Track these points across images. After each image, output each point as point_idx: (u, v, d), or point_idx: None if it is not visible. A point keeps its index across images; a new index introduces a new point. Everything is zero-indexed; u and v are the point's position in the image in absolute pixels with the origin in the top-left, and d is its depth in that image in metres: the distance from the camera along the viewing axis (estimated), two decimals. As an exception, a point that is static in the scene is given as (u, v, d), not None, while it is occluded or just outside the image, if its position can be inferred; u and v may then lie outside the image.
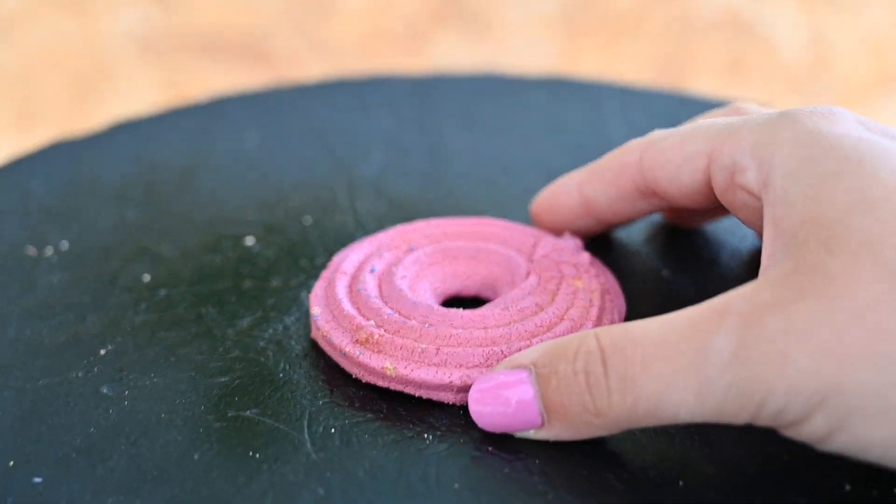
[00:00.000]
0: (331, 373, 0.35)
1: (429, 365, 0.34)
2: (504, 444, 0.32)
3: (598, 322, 0.35)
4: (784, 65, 1.04)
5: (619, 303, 0.37)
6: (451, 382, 0.34)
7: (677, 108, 0.51)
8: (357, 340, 0.35)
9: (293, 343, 0.37)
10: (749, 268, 0.40)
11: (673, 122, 0.49)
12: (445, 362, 0.34)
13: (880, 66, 1.02)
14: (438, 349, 0.34)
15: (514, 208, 0.43)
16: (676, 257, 0.41)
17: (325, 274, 0.38)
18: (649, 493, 0.31)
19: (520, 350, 0.34)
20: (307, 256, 0.41)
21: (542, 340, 0.34)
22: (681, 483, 0.31)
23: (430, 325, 0.35)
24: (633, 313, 0.38)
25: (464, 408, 0.34)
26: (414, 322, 0.35)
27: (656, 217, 0.43)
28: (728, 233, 0.42)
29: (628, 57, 1.11)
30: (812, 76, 1.02)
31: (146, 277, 0.40)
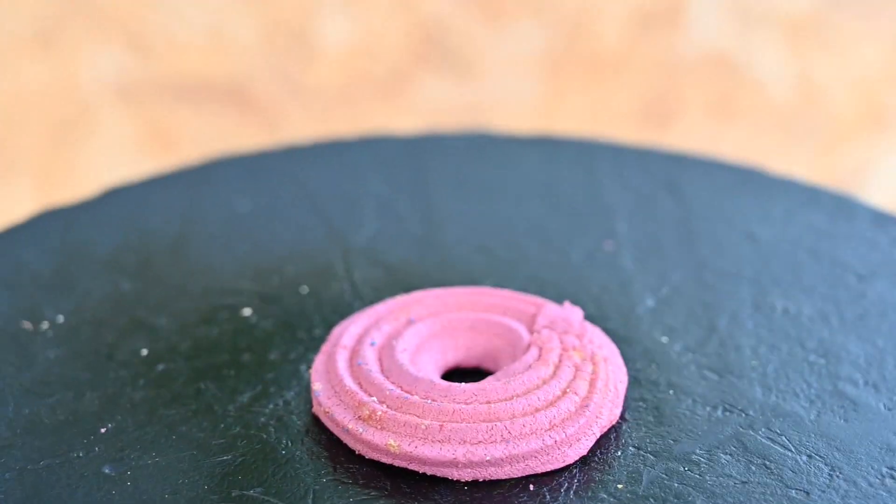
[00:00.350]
0: (333, 449, 0.36)
1: (433, 441, 0.35)
2: (510, 521, 0.33)
3: (604, 395, 0.37)
4: (772, 105, 1.06)
5: (619, 374, 0.38)
6: (455, 459, 0.35)
7: (671, 166, 0.53)
8: (360, 417, 0.36)
9: (294, 419, 0.38)
10: (744, 331, 0.41)
11: (667, 180, 0.50)
12: (449, 438, 0.35)
13: (869, 106, 1.04)
14: (442, 425, 0.35)
15: (510, 275, 0.44)
16: (675, 323, 0.42)
17: (324, 347, 0.39)
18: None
19: (524, 426, 0.35)
20: (305, 328, 0.42)
21: (546, 416, 0.35)
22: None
23: (433, 400, 0.36)
24: (634, 381, 0.39)
25: (468, 484, 0.35)
26: (416, 397, 0.36)
27: (652, 280, 0.44)
28: (728, 296, 0.43)
29: (614, 97, 1.13)
30: (800, 116, 1.04)
31: (143, 352, 0.41)
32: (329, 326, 0.41)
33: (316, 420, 0.37)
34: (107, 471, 0.35)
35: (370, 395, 0.36)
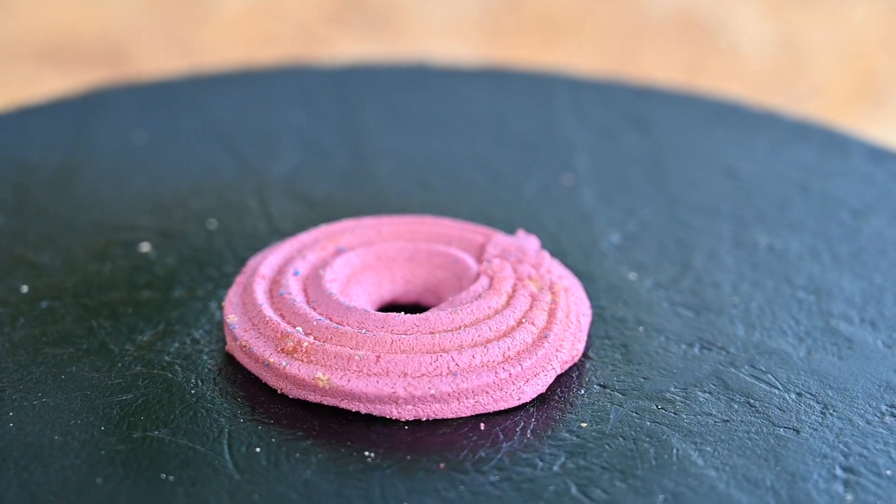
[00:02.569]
0: (251, 388, 0.37)
1: (368, 375, 0.36)
2: (458, 460, 0.35)
3: (565, 327, 0.38)
4: (749, 72, 1.09)
5: (582, 306, 0.40)
6: (394, 393, 0.36)
7: (637, 100, 0.55)
8: (283, 350, 0.37)
9: (204, 357, 0.39)
10: (723, 267, 0.43)
11: (634, 114, 0.52)
12: (387, 371, 0.36)
13: (859, 74, 1.07)
14: (379, 356, 0.36)
15: (454, 209, 0.46)
16: (645, 259, 0.43)
17: (239, 279, 0.40)
18: (626, 512, 0.33)
19: (473, 357, 0.36)
20: (214, 264, 0.43)
21: (498, 347, 0.37)
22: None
23: (368, 330, 0.37)
24: (597, 318, 0.40)
25: (409, 423, 0.36)
26: (348, 328, 0.37)
27: (617, 215, 0.46)
28: (704, 232, 0.45)
29: (566, 67, 1.15)
30: (781, 85, 1.07)
31: (23, 288, 0.41)
32: (242, 263, 0.42)
33: (230, 359, 0.38)
34: (-16, 412, 0.36)
35: (294, 326, 0.37)
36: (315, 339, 0.37)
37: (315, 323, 0.37)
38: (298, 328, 0.37)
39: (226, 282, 0.42)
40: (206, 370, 0.38)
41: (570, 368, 0.38)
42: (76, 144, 0.50)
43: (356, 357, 0.36)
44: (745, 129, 0.53)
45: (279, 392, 0.37)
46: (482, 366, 0.36)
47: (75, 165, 0.49)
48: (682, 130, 0.53)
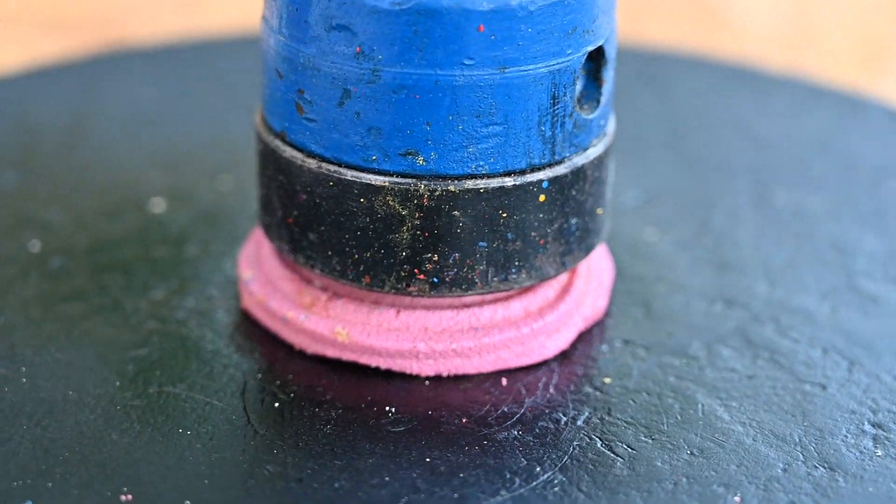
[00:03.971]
0: (269, 345, 0.36)
1: (388, 329, 0.35)
2: (480, 415, 0.34)
3: (587, 282, 0.37)
4: (761, 38, 1.07)
5: (603, 263, 0.39)
6: (414, 348, 0.35)
7: (648, 63, 0.54)
8: (300, 304, 0.36)
9: (220, 314, 0.38)
10: (743, 226, 0.42)
11: (646, 75, 0.51)
12: (407, 326, 0.35)
13: (869, 39, 1.06)
14: (399, 311, 0.35)
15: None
16: (663, 217, 0.43)
17: (253, 234, 0.39)
18: (652, 468, 0.32)
19: (495, 312, 0.36)
20: (228, 221, 0.42)
21: (520, 303, 0.36)
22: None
23: (387, 285, 0.36)
24: (618, 275, 0.40)
25: (430, 378, 0.35)
26: (367, 283, 0.36)
27: (632, 173, 0.45)
28: (723, 191, 0.44)
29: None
30: (794, 50, 1.05)
31: (34, 246, 0.41)
32: (256, 220, 0.42)
33: (246, 316, 0.38)
34: (-4, 367, 0.35)
35: (312, 280, 0.37)
36: (333, 293, 0.36)
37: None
38: (316, 282, 0.36)
39: (240, 239, 0.41)
40: (222, 326, 0.37)
41: (592, 326, 0.38)
42: (84, 105, 0.49)
43: (376, 311, 0.35)
44: (761, 92, 0.52)
45: (296, 348, 0.36)
46: (504, 321, 0.36)
47: (84, 126, 0.48)
48: (697, 93, 0.52)
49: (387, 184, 0.33)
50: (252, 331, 0.37)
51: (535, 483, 0.32)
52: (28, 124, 0.48)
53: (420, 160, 0.33)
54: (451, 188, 0.33)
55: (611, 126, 0.36)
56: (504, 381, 0.35)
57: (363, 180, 0.34)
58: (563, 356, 0.36)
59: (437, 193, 0.33)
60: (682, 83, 0.53)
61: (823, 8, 1.05)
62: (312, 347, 0.36)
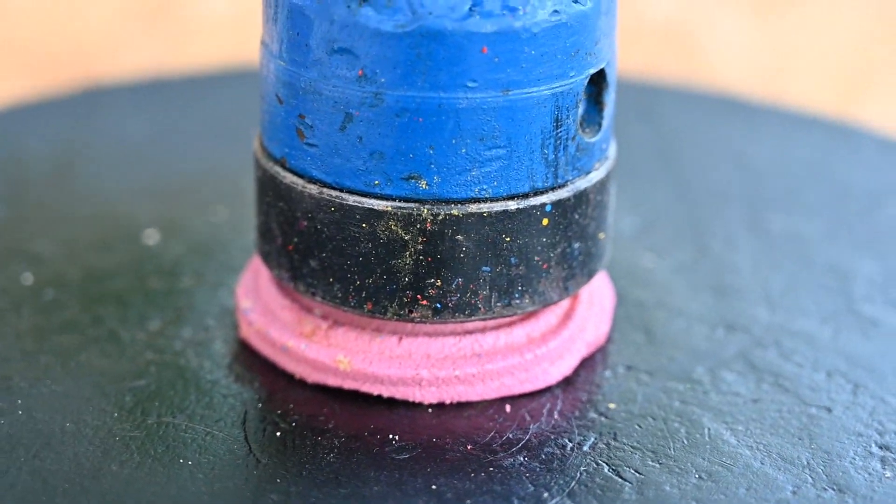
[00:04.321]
0: (268, 374, 0.36)
1: (390, 357, 0.35)
2: (485, 442, 0.33)
3: (588, 307, 0.37)
4: (742, 70, 1.07)
5: (604, 289, 0.39)
6: (417, 375, 0.35)
7: (640, 94, 0.54)
8: (301, 333, 0.36)
9: (218, 344, 0.37)
10: (741, 251, 0.42)
11: (638, 106, 0.51)
12: (409, 353, 0.35)
13: (852, 67, 1.06)
14: (401, 338, 0.35)
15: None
16: (660, 244, 0.43)
17: (251, 264, 0.39)
18: (661, 493, 0.32)
19: (497, 339, 0.35)
20: (222, 252, 0.42)
21: (522, 329, 0.36)
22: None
23: (387, 313, 0.36)
24: (618, 301, 0.39)
25: (433, 406, 0.35)
26: (367, 311, 0.36)
27: (628, 201, 0.45)
28: (718, 217, 0.44)
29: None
30: (777, 80, 1.05)
31: (27, 279, 0.40)
32: (251, 251, 0.41)
33: (244, 346, 0.37)
34: (-8, 400, 0.35)
35: (312, 309, 0.36)
36: (334, 321, 0.36)
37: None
38: (316, 310, 0.36)
39: (235, 270, 0.41)
40: (220, 356, 0.37)
41: (594, 352, 0.37)
42: (73, 139, 0.49)
43: (378, 339, 0.35)
44: (751, 121, 0.52)
45: (297, 377, 0.36)
46: (507, 347, 0.35)
47: (73, 159, 0.48)
48: (688, 122, 0.52)
49: (389, 208, 0.33)
50: (251, 361, 0.37)
51: (543, 509, 0.31)
52: (15, 158, 0.48)
53: (423, 184, 0.33)
54: (455, 212, 0.33)
55: (612, 150, 0.36)
56: (508, 408, 0.35)
57: (365, 205, 0.33)
58: (567, 382, 0.36)
59: (441, 218, 0.33)
60: (670, 113, 0.53)
61: (800, 39, 1.05)
62: (313, 376, 0.35)
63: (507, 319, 0.36)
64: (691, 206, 0.45)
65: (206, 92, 0.53)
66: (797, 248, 0.43)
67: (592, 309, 0.37)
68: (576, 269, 0.35)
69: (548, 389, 0.36)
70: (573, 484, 0.32)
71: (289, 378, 0.36)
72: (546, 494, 0.32)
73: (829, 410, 0.35)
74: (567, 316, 0.37)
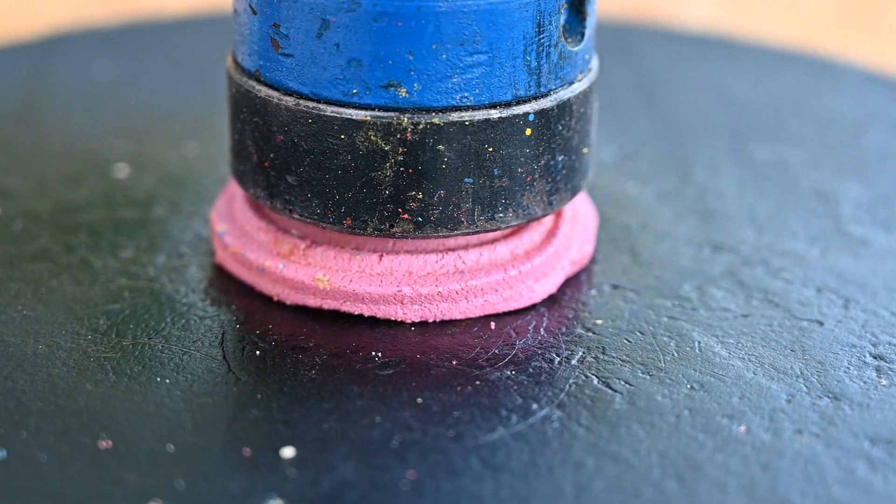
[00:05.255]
0: (245, 297, 0.35)
1: (371, 275, 0.34)
2: (471, 357, 0.33)
3: (572, 226, 0.36)
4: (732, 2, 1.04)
5: (587, 209, 0.38)
6: (399, 292, 0.34)
7: (616, 33, 0.53)
8: (278, 254, 0.35)
9: (192, 270, 0.36)
10: (725, 178, 0.41)
11: (615, 44, 0.51)
12: (391, 270, 0.34)
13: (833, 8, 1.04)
14: (381, 255, 0.34)
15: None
16: (643, 171, 0.42)
17: (226, 190, 0.38)
18: (653, 402, 0.31)
19: (480, 255, 0.34)
20: (196, 185, 0.41)
21: (506, 246, 0.35)
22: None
23: (367, 233, 0.35)
24: (602, 225, 0.39)
25: (416, 325, 0.34)
26: (346, 231, 0.35)
27: (608, 131, 0.44)
28: (701, 146, 0.44)
29: None
30: (765, 14, 1.03)
31: (-6, 211, 0.39)
32: (223, 183, 0.40)
33: (220, 271, 0.36)
34: (-40, 325, 0.34)
35: (289, 230, 0.35)
36: (312, 241, 0.35)
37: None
38: (294, 231, 0.35)
39: (209, 200, 0.40)
40: (196, 281, 0.36)
41: (579, 271, 0.36)
42: (39, 81, 0.48)
43: (357, 257, 0.34)
44: (732, 57, 0.52)
45: (275, 299, 0.35)
46: (490, 263, 0.35)
47: (40, 98, 0.47)
48: (667, 59, 0.52)
49: (368, 118, 0.32)
50: (227, 285, 0.36)
51: (532, 419, 0.31)
52: (-19, 100, 0.47)
53: (403, 92, 0.32)
54: (436, 121, 0.32)
55: (594, 63, 0.35)
56: (493, 325, 0.34)
57: (344, 115, 0.32)
58: (552, 300, 0.35)
59: (421, 127, 0.32)
60: (650, 50, 0.52)
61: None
62: (292, 297, 0.35)
63: (490, 236, 0.35)
64: (673, 137, 0.45)
65: (172, 36, 0.52)
66: (782, 175, 0.42)
67: (576, 228, 0.37)
68: (560, 184, 0.34)
69: (532, 307, 0.35)
70: (562, 395, 0.32)
71: (267, 300, 0.35)
72: (535, 406, 0.31)
73: (821, 324, 0.34)
74: (551, 234, 0.36)
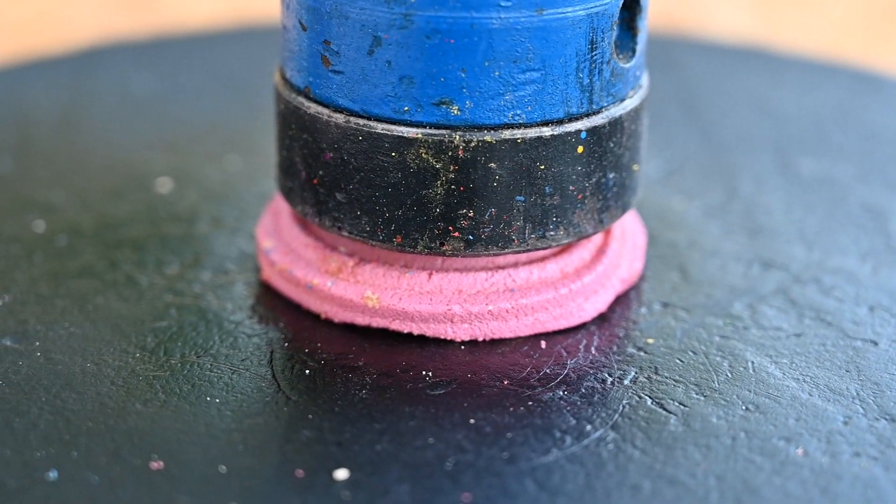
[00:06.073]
0: (293, 315, 0.35)
1: (420, 293, 0.34)
2: (522, 377, 0.32)
3: (621, 244, 0.36)
4: (764, 17, 1.04)
5: (636, 227, 0.38)
6: (449, 311, 0.33)
7: (658, 45, 0.53)
8: (326, 271, 0.35)
9: (239, 286, 0.36)
10: (772, 193, 0.41)
11: (658, 58, 0.50)
12: (440, 288, 0.34)
13: (875, 11, 1.03)
14: (431, 273, 0.34)
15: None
16: (688, 186, 0.42)
17: (270, 206, 0.38)
18: (708, 424, 0.31)
19: (530, 273, 0.34)
20: (239, 199, 0.41)
21: (556, 264, 0.35)
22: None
23: (415, 250, 0.35)
24: (650, 242, 0.38)
25: (465, 343, 0.34)
26: (394, 248, 0.35)
27: (653, 145, 0.44)
28: (746, 160, 0.43)
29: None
30: (801, 28, 1.02)
31: (39, 226, 0.39)
32: (267, 197, 0.40)
33: (266, 288, 0.36)
34: (8, 343, 0.33)
35: (337, 247, 0.35)
36: (360, 258, 0.35)
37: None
38: (342, 248, 0.35)
39: (253, 215, 0.39)
40: (242, 298, 0.36)
41: (628, 289, 0.36)
42: (78, 95, 0.48)
43: (407, 275, 0.34)
44: (770, 68, 0.51)
45: (323, 317, 0.35)
46: (540, 282, 0.34)
47: (79, 112, 0.46)
48: (706, 71, 0.51)
49: (420, 136, 0.32)
50: (274, 302, 0.35)
51: (586, 441, 0.30)
52: (22, 113, 0.46)
53: (454, 110, 0.32)
54: (488, 138, 0.32)
55: (645, 79, 0.35)
56: (543, 344, 0.34)
57: (394, 133, 0.32)
58: (602, 319, 0.35)
59: (473, 144, 0.32)
60: (686, 62, 0.52)
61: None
62: (340, 315, 0.34)
63: (540, 254, 0.35)
64: (717, 151, 0.44)
65: (208, 50, 0.52)
66: (829, 190, 0.42)
67: (626, 245, 0.36)
68: (610, 201, 0.34)
69: (583, 326, 0.35)
70: (616, 417, 0.31)
71: (314, 318, 0.35)
72: (589, 427, 0.31)
73: (875, 343, 0.34)
74: (600, 252, 0.36)
